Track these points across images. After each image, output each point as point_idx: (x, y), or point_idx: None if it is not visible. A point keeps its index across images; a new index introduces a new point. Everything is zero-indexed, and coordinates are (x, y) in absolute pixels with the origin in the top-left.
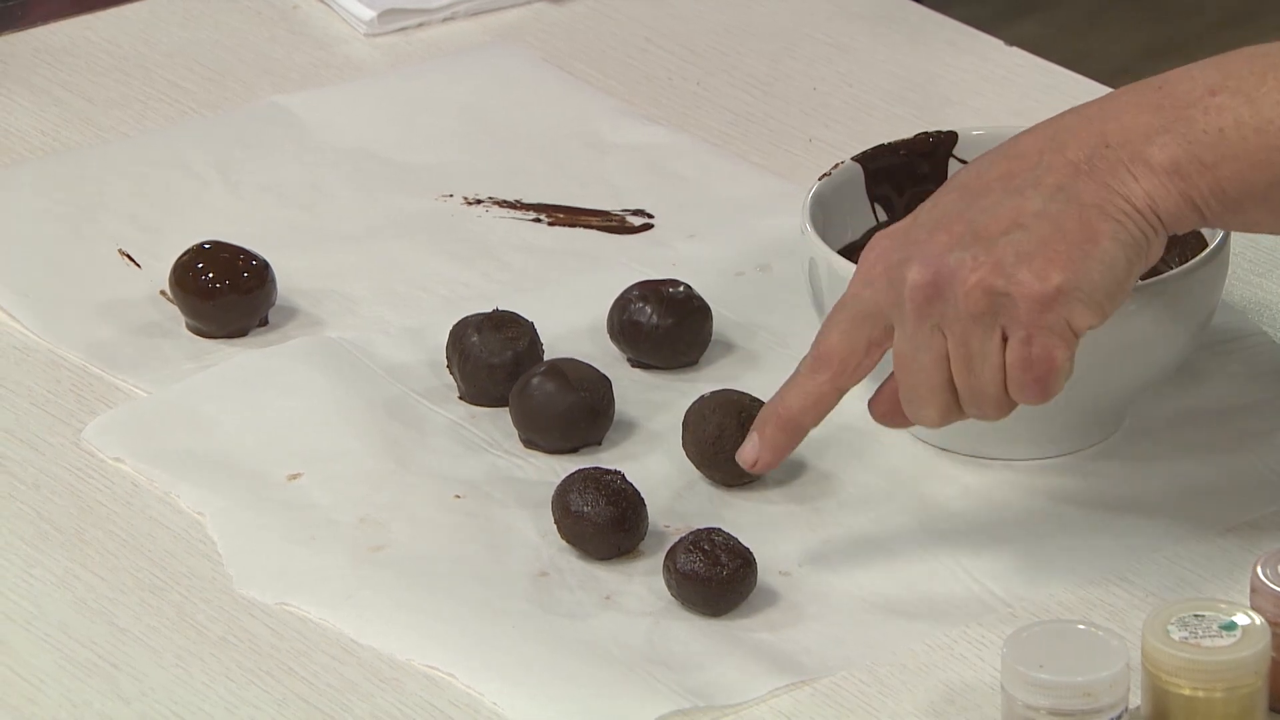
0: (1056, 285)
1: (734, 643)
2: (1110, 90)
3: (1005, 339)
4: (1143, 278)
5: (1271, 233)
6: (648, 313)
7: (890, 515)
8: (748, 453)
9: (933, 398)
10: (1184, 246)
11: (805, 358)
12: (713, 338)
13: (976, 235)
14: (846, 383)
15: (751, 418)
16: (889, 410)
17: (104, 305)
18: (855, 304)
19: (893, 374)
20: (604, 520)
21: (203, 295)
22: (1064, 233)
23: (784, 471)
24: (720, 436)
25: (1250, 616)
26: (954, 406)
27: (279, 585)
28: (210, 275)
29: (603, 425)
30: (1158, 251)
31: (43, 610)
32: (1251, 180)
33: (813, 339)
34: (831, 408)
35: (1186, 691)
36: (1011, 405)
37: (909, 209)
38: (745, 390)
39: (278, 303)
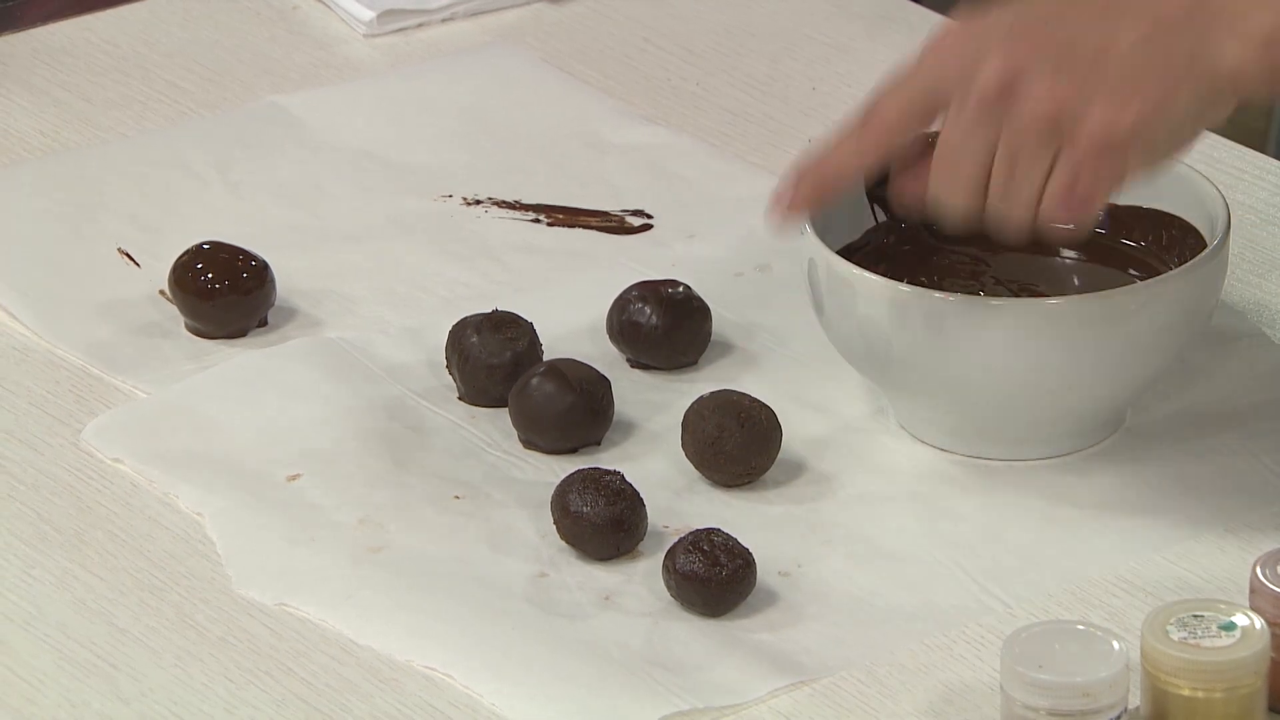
0: (1125, 130)
1: (733, 643)
2: None
3: (1055, 161)
4: (1144, 277)
5: None
6: (647, 313)
7: (889, 516)
8: (781, 197)
9: (963, 189)
10: (1183, 247)
11: (853, 120)
12: (712, 338)
13: (1062, 53)
14: (893, 148)
15: (752, 417)
16: (913, 189)
17: (103, 306)
18: (921, 77)
19: (931, 154)
20: (603, 521)
21: (202, 296)
22: (1148, 79)
23: (783, 472)
24: (720, 437)
25: (1249, 617)
26: (979, 203)
27: (278, 586)
28: (210, 276)
29: (602, 426)
30: (1223, 115)
31: (42, 610)
32: None
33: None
34: (870, 170)
35: (1186, 692)
36: (1032, 223)
37: None
38: (744, 391)
39: (277, 303)
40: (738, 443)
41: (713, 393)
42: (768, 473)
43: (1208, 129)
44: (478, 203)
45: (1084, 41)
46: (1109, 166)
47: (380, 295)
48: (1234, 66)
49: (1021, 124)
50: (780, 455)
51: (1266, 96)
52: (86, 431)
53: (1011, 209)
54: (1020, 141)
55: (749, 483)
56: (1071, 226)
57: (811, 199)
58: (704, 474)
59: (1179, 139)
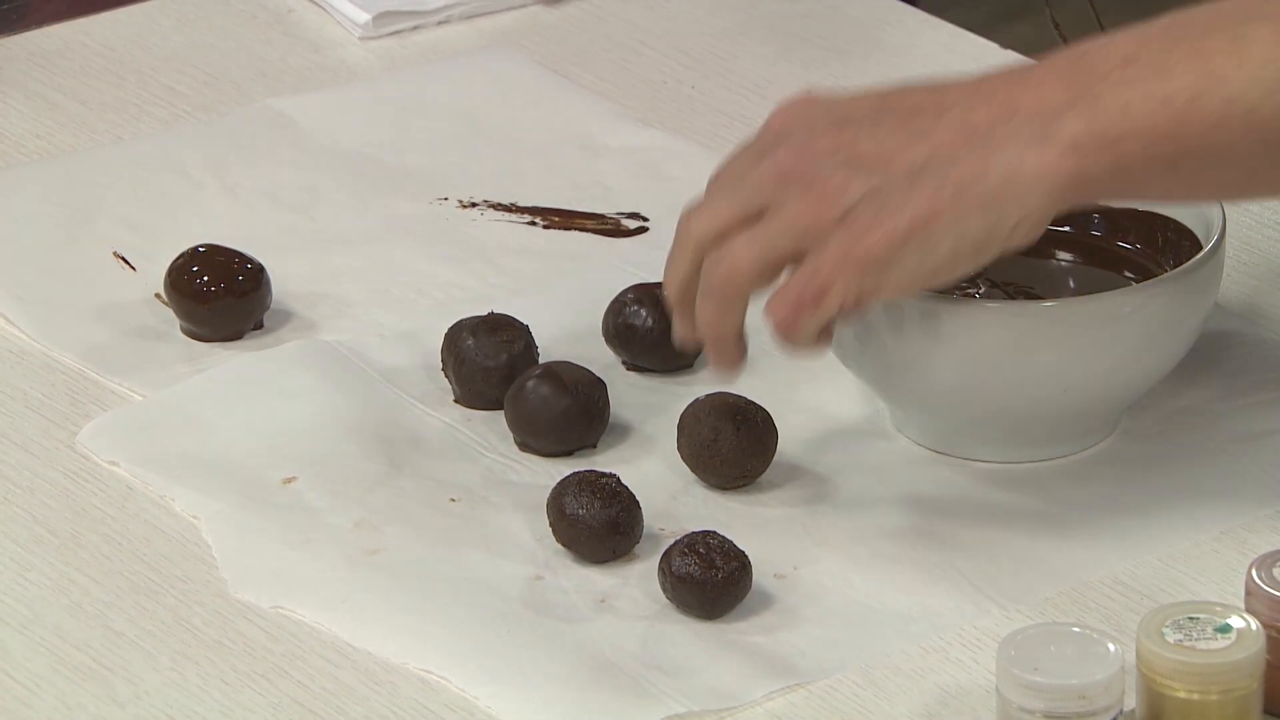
0: (862, 253)
1: (729, 646)
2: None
3: (799, 259)
4: (1139, 279)
5: (1186, 202)
6: (643, 316)
7: (885, 518)
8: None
9: (687, 253)
10: (1178, 249)
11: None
12: None
13: (849, 158)
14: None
15: (747, 420)
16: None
17: (99, 309)
18: (744, 147)
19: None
20: (599, 523)
21: (198, 299)
22: (910, 202)
23: (779, 474)
24: (715, 440)
25: (1245, 619)
26: (695, 280)
27: (274, 589)
28: (205, 279)
29: (598, 428)
30: (1025, 233)
31: (37, 614)
32: (1156, 152)
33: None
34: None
35: (1181, 694)
36: (735, 326)
37: None
38: (740, 394)
39: (273, 306)
40: (733, 445)
41: (708, 395)
42: (763, 475)
43: (1012, 248)
44: (473, 205)
45: (874, 147)
46: (847, 281)
47: (376, 298)
48: (1036, 172)
49: (787, 210)
50: (776, 458)
51: (1094, 198)
52: (82, 434)
53: (730, 278)
54: (780, 224)
55: (745, 485)
56: (781, 338)
57: (737, 356)
58: (700, 476)
59: (925, 270)
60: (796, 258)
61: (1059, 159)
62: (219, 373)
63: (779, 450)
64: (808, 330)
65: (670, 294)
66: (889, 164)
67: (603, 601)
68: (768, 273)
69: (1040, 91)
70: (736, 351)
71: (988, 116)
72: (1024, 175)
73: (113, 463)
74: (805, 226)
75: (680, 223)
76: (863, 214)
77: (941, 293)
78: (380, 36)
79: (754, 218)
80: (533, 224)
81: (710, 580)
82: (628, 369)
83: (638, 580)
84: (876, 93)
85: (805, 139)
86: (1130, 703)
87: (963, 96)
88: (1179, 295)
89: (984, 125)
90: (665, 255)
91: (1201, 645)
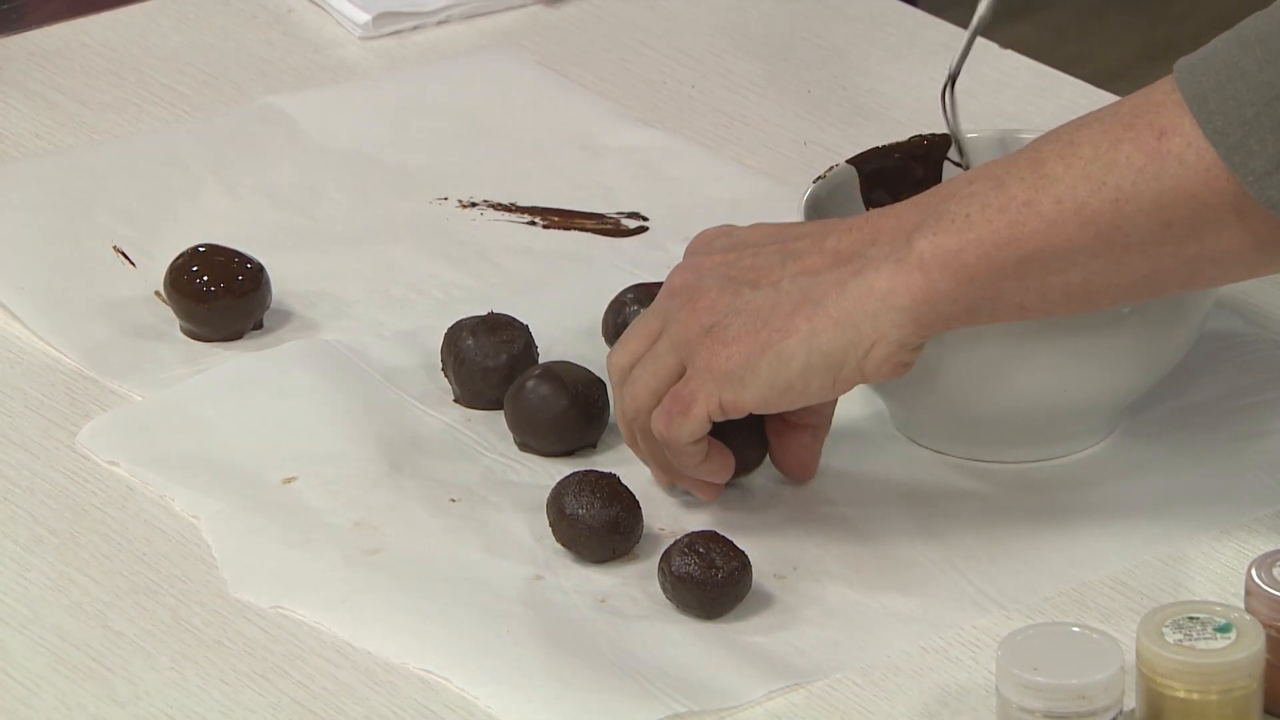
0: (720, 365)
1: (729, 646)
2: (1107, 91)
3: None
4: None
5: (1042, 316)
6: None
7: (885, 518)
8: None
9: (618, 392)
10: None
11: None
12: None
13: (728, 275)
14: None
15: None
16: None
17: (99, 309)
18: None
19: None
20: (599, 523)
21: (197, 298)
22: (770, 318)
23: (779, 475)
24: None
25: (1245, 619)
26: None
27: (274, 588)
28: (205, 278)
29: (598, 428)
30: (882, 358)
31: (37, 614)
32: (998, 258)
33: None
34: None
35: (1181, 694)
36: (680, 444)
37: None
38: None
39: (272, 306)
40: (729, 433)
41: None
42: (762, 475)
43: (873, 374)
44: (473, 205)
45: (753, 268)
46: (711, 388)
47: (375, 298)
48: (887, 290)
49: (676, 323)
50: None
51: (951, 317)
52: (82, 434)
53: (629, 398)
54: (671, 338)
55: (743, 477)
56: (666, 437)
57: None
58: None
59: (782, 382)
60: (683, 372)
61: (908, 276)
62: (219, 373)
63: None
64: (681, 437)
65: (628, 443)
66: (759, 282)
67: (603, 601)
68: (664, 391)
69: (899, 216)
70: (710, 465)
71: (854, 242)
72: (875, 293)
73: (112, 463)
74: (682, 339)
75: (606, 363)
76: (729, 326)
77: None
78: (380, 36)
79: (651, 346)
80: (533, 224)
81: (710, 580)
82: None
83: (638, 580)
84: (777, 225)
85: (698, 258)
86: (1130, 703)
87: (839, 227)
88: (1179, 295)
89: (849, 249)
90: (665, 255)
91: (1201, 645)
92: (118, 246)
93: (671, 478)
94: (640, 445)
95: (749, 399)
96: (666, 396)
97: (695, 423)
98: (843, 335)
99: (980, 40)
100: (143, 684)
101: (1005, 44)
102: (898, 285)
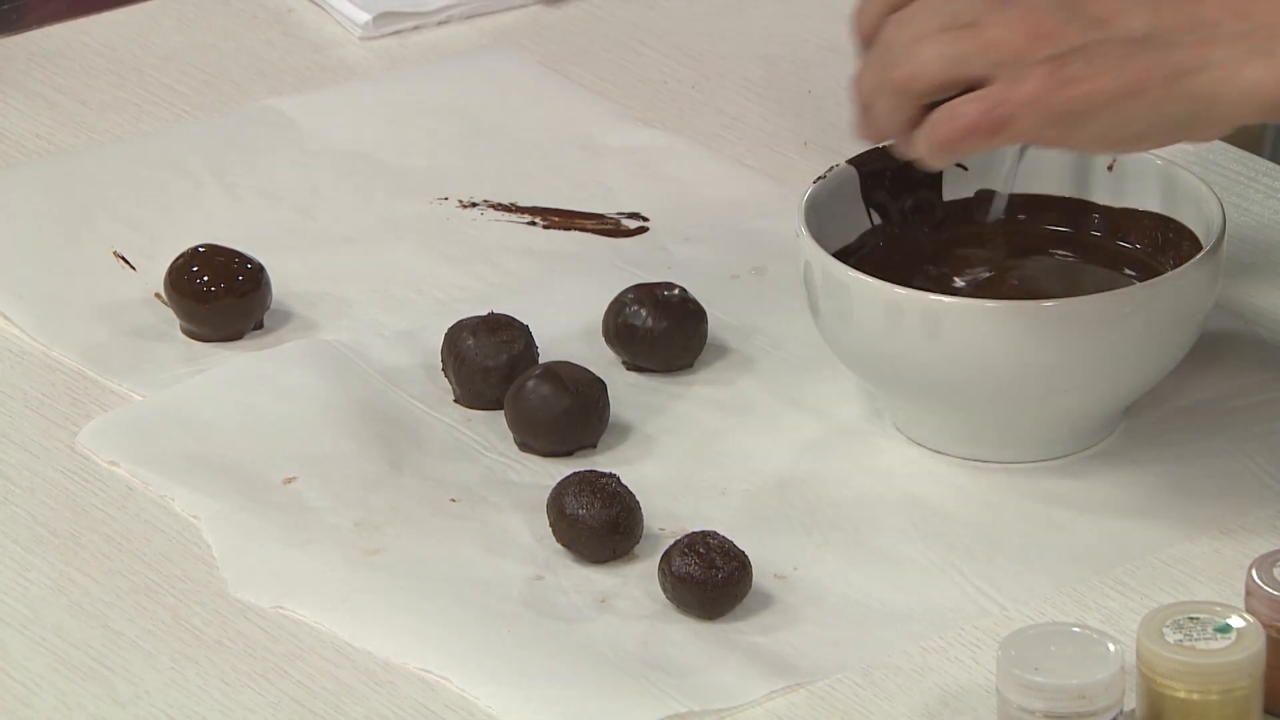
0: (1060, 102)
1: (729, 646)
2: None
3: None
4: (1137, 281)
5: None
6: (643, 316)
7: (885, 518)
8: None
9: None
10: (1178, 249)
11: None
12: (708, 341)
13: (1072, 4)
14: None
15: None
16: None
17: (99, 309)
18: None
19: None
20: (599, 523)
21: (198, 299)
22: (1122, 69)
23: (779, 475)
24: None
25: (1245, 619)
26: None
27: (274, 589)
28: (205, 279)
29: (598, 428)
30: (1216, 133)
31: (37, 614)
32: None
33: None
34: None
35: (1181, 694)
36: (902, 127)
37: (904, 212)
38: (740, 393)
39: (273, 306)
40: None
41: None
42: (762, 475)
43: (1202, 140)
44: (473, 205)
45: (1103, 6)
46: (1030, 122)
47: (376, 298)
48: (1251, 83)
49: (982, 38)
50: (775, 458)
51: (1267, 119)
52: (82, 435)
53: (913, 61)
54: (969, 49)
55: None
56: (933, 151)
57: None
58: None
59: (1132, 135)
60: (977, 83)
61: (1277, 77)
62: (219, 373)
63: (778, 450)
64: (965, 153)
65: (859, 97)
66: (1109, 23)
67: (603, 601)
68: (950, 85)
69: (1276, 4)
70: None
71: (1218, 12)
72: (1239, 81)
73: (113, 463)
74: (1008, 56)
75: (884, 28)
76: (1071, 63)
77: (941, 293)
78: (380, 36)
79: (954, 29)
80: (533, 224)
81: (710, 580)
82: (628, 369)
83: (638, 580)
84: None
85: None
86: (1130, 703)
87: None
88: (1179, 295)
89: (1212, 19)
90: (665, 255)
91: (1201, 645)
92: (118, 251)
93: (871, 137)
94: (884, 103)
95: (1073, 142)
96: (972, 106)
97: (994, 144)
98: (1191, 108)
99: None
100: (143, 684)
101: None
102: (1263, 83)
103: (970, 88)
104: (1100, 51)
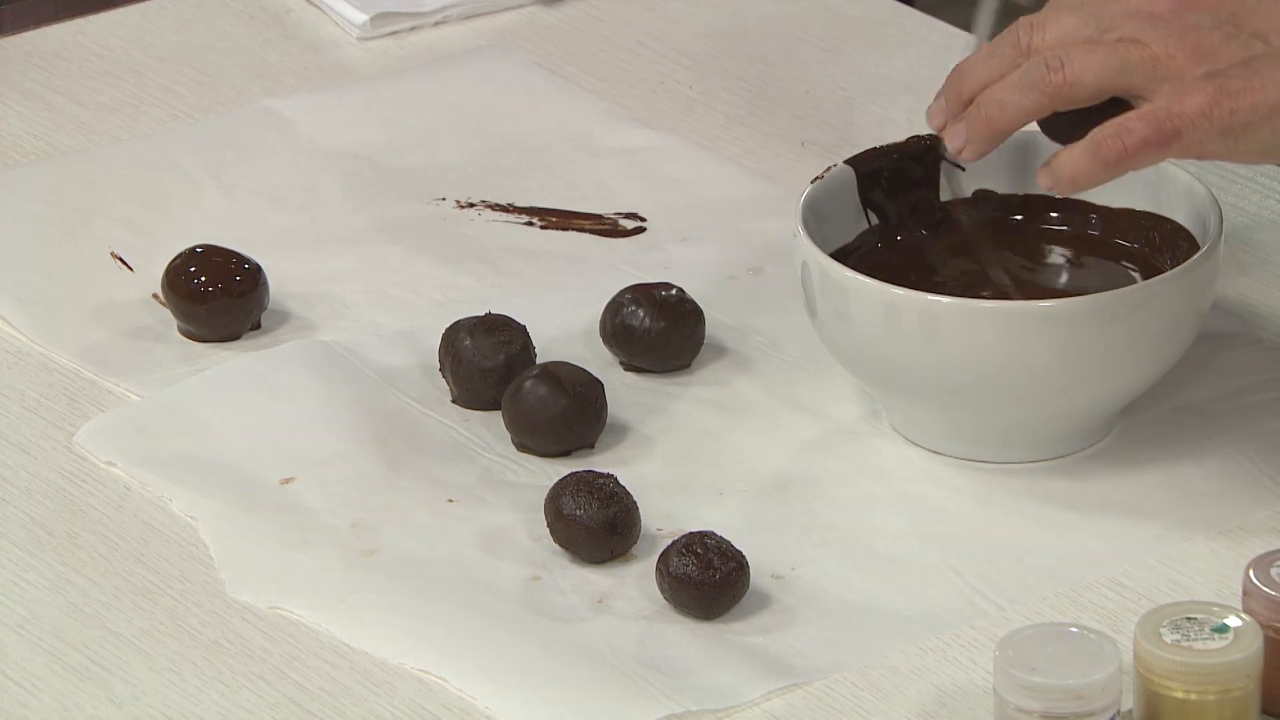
0: (1226, 115)
1: (726, 646)
2: None
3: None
4: (1135, 281)
5: None
6: (640, 316)
7: (882, 518)
8: (951, 137)
9: (1012, 51)
10: (1176, 249)
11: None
12: (705, 341)
13: (1230, 21)
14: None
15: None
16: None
17: (96, 309)
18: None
19: None
20: (596, 524)
21: (195, 299)
22: (1258, 83)
23: (777, 475)
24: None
25: (1242, 619)
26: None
27: (272, 589)
28: (202, 279)
29: (595, 429)
30: None
31: (35, 614)
32: None
33: (800, 336)
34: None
35: (1179, 694)
36: (1015, 128)
37: (901, 213)
38: (738, 393)
39: (270, 306)
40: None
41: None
42: (760, 475)
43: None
44: (471, 206)
45: (1261, 21)
46: (1197, 136)
47: (373, 298)
48: None
49: (1142, 52)
50: (773, 458)
51: None
52: (79, 435)
53: (1065, 65)
54: (1130, 61)
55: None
56: (1103, 168)
57: (979, 147)
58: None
59: (1259, 152)
60: (1134, 95)
61: None
62: (216, 373)
63: (775, 450)
64: (1136, 167)
65: (966, 88)
66: (1268, 38)
67: (600, 602)
68: (1104, 94)
69: None
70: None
71: None
72: None
73: (110, 463)
74: (1173, 71)
75: (1014, 28)
76: (1235, 77)
77: (939, 293)
78: (378, 37)
79: (1109, 43)
80: (530, 224)
81: (708, 580)
82: (625, 369)
83: (635, 580)
84: None
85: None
86: (1128, 703)
87: None
88: (1177, 295)
89: None
90: (663, 255)
91: (1199, 645)
92: (115, 252)
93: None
94: (1023, 101)
95: (1236, 154)
96: (1141, 122)
97: (1162, 157)
98: None
99: (978, 41)
100: (140, 684)
101: None
102: None
103: (1117, 99)
104: (1262, 65)
